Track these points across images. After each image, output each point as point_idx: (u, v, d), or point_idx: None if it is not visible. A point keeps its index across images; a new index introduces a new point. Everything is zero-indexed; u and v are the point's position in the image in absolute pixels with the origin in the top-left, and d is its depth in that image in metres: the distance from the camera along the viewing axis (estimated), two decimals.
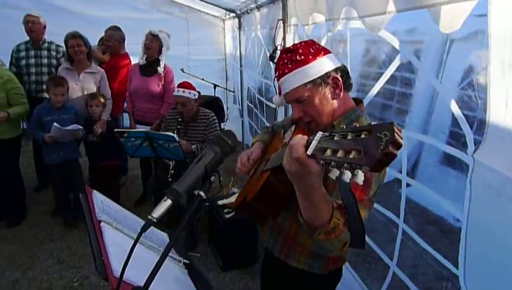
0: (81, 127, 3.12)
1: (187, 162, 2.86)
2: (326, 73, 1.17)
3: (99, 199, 1.42)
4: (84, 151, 3.57)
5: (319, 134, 0.78)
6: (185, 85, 3.11)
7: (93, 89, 3.42)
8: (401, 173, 2.00)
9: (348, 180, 0.64)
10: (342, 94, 1.21)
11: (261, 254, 1.80)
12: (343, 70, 1.21)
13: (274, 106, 3.67)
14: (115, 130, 2.88)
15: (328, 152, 0.69)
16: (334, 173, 0.67)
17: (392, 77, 4.58)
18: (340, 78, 1.19)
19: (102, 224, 1.21)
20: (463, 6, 1.29)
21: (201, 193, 0.90)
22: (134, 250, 1.27)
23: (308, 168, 0.81)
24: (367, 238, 2.34)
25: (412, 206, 3.68)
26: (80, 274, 2.84)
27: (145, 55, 3.53)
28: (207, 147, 0.96)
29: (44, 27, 3.73)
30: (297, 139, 0.83)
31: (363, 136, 0.63)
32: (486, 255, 1.33)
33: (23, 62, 3.70)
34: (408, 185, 1.96)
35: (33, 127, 3.17)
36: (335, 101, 1.21)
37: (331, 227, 0.98)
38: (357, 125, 0.66)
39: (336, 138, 0.70)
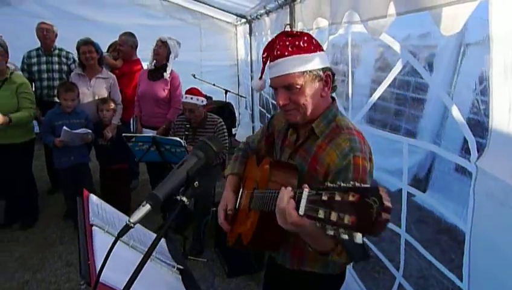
0: (90, 131, 3.18)
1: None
2: (323, 68, 1.18)
3: (95, 202, 1.43)
4: (95, 155, 3.64)
5: (306, 192, 0.82)
6: (193, 92, 3.13)
7: (104, 94, 3.48)
8: (409, 182, 1.93)
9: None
10: (327, 94, 1.22)
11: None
12: (331, 71, 1.22)
13: None
14: (123, 134, 2.92)
15: (321, 213, 0.73)
16: (331, 231, 0.70)
17: (405, 82, 4.49)
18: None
19: (93, 228, 1.21)
20: (464, 8, 1.24)
21: (184, 199, 0.89)
22: (127, 256, 1.27)
23: (302, 226, 0.87)
24: (374, 248, 2.28)
25: (424, 215, 3.60)
26: None
27: (154, 61, 3.58)
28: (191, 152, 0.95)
29: (56, 35, 3.86)
30: (285, 200, 0.88)
31: (351, 198, 0.67)
32: (490, 267, 1.27)
33: (35, 68, 3.82)
34: (412, 194, 1.89)
35: (44, 131, 3.25)
36: (321, 99, 1.21)
37: (340, 249, 1.05)
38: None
39: (323, 197, 0.74)
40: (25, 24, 5.17)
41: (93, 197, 1.45)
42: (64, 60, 3.85)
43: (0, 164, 3.26)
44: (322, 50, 1.21)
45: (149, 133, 3.43)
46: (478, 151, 1.31)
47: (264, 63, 1.26)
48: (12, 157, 3.21)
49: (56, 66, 3.83)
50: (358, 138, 1.16)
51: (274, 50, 1.19)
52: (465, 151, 1.37)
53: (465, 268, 1.37)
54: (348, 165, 1.10)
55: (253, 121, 5.90)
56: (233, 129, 5.69)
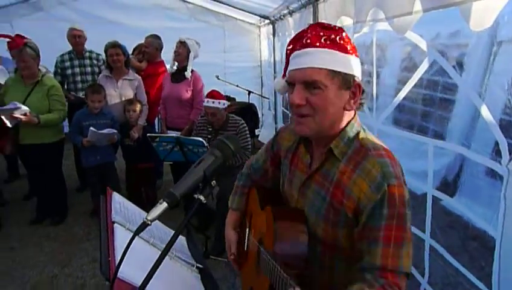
0: (115, 131, 3.27)
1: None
2: (354, 75, 0.98)
3: (117, 200, 1.46)
4: (121, 154, 3.74)
5: None
6: (214, 95, 3.14)
7: (131, 95, 3.57)
8: (437, 186, 1.86)
9: None
10: (352, 108, 1.02)
11: None
12: (361, 84, 1.02)
13: None
14: (148, 134, 2.98)
15: None
16: None
17: (433, 82, 4.33)
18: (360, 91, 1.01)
19: (115, 225, 1.24)
20: (495, 2, 1.18)
21: (201, 197, 0.89)
22: (147, 253, 1.29)
23: None
24: None
25: (453, 220, 3.46)
26: None
27: (176, 62, 3.63)
28: (208, 151, 0.95)
29: (86, 39, 4.02)
30: None
31: None
32: None
33: (69, 71, 3.99)
34: (439, 199, 1.82)
35: (72, 131, 3.37)
36: (343, 112, 1.01)
37: None
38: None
39: None
40: (56, 28, 5.40)
41: (115, 195, 1.48)
42: (95, 62, 4.01)
43: (32, 163, 3.42)
44: (358, 56, 1.02)
45: (173, 134, 3.48)
46: (510, 154, 1.24)
47: (288, 56, 1.05)
48: (44, 157, 3.35)
49: (88, 69, 4.00)
50: (388, 159, 0.97)
51: (303, 39, 0.99)
52: (496, 153, 1.30)
53: (495, 276, 1.30)
54: (383, 198, 0.92)
55: (276, 122, 5.89)
56: (256, 130, 5.70)
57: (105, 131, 3.21)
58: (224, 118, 3.20)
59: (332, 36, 0.97)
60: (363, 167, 0.97)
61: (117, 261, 1.06)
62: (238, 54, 6.36)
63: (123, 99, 3.54)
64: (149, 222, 0.81)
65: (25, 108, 3.06)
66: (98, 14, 5.59)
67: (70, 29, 3.93)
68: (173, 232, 0.83)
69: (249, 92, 5.18)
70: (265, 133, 5.95)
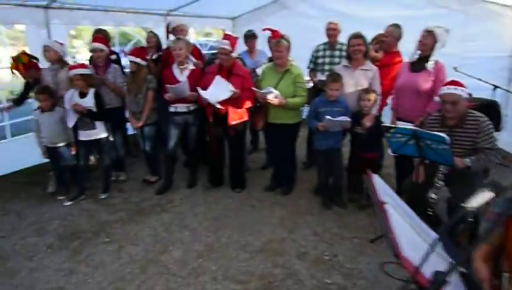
0: (349, 119, 3.43)
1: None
2: None
3: (378, 182, 1.53)
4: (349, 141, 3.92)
5: None
6: (454, 82, 2.84)
7: (365, 85, 3.65)
8: None
9: None
10: None
11: None
12: None
13: None
14: (382, 124, 2.98)
15: None
16: None
17: None
18: None
19: (387, 206, 1.30)
20: None
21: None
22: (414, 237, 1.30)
23: None
24: None
25: None
26: (330, 251, 3.16)
27: (419, 52, 3.44)
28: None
29: (339, 32, 4.35)
30: None
31: None
32: None
33: (320, 60, 4.47)
34: None
35: (310, 116, 3.74)
36: None
37: None
38: None
39: None
40: (297, 23, 6.10)
41: (376, 178, 1.56)
42: (344, 53, 4.28)
43: (273, 139, 4.03)
44: None
45: (409, 126, 3.36)
46: None
47: None
48: (284, 135, 3.90)
49: (337, 60, 4.34)
50: None
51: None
52: None
53: None
54: None
55: None
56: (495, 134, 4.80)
57: (339, 118, 3.41)
58: (463, 112, 2.84)
59: None
60: None
61: (399, 240, 1.12)
62: (481, 43, 5.46)
63: (358, 88, 3.66)
64: (473, 209, 0.79)
65: (276, 92, 3.61)
66: (334, 8, 5.93)
67: (328, 23, 4.35)
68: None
69: (495, 87, 4.39)
70: (507, 139, 4.94)
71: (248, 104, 3.83)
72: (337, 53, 4.39)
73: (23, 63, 3.94)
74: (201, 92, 3.69)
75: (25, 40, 5.01)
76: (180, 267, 2.95)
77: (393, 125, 3.06)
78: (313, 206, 3.91)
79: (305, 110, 4.04)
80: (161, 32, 5.02)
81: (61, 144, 3.92)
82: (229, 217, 3.71)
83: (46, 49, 3.95)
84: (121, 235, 3.40)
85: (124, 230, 3.49)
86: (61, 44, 4.12)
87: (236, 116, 3.86)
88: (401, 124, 3.48)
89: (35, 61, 4.03)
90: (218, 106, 3.69)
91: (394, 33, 3.93)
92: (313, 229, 3.49)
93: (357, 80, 3.68)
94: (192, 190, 4.32)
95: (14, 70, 3.98)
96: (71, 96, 3.76)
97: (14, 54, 3.97)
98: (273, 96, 3.60)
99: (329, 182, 3.88)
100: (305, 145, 4.87)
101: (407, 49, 3.95)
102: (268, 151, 4.64)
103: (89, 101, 3.74)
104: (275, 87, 3.67)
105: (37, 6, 4.39)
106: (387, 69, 3.89)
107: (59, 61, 4.04)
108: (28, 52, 4.07)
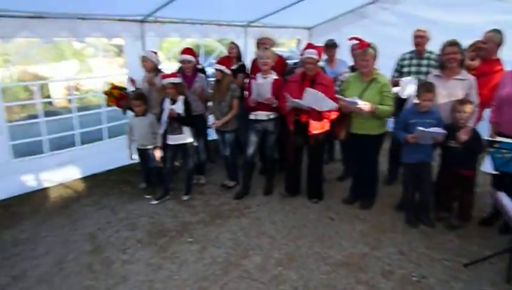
0: (443, 131, 3.19)
1: None
2: None
3: (508, 201, 1.38)
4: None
5: None
6: None
7: (460, 95, 3.37)
8: None
9: None
10: None
11: None
12: None
13: None
14: (486, 138, 2.72)
15: None
16: None
17: None
18: None
19: None
20: None
21: None
22: None
23: None
24: None
25: None
26: (419, 272, 2.95)
27: None
28: None
29: (428, 39, 4.11)
30: None
31: None
32: None
33: (406, 69, 4.24)
34: None
35: (398, 128, 3.56)
36: None
37: None
38: None
39: None
40: (376, 32, 5.86)
41: (503, 195, 1.41)
42: (432, 62, 4.06)
43: (355, 150, 3.89)
44: None
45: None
46: None
47: None
48: (366, 146, 3.75)
49: (424, 69, 4.10)
50: None
51: None
52: None
53: None
54: None
55: None
56: None
57: (432, 129, 3.19)
58: None
59: None
60: None
61: None
62: None
63: (452, 99, 3.40)
64: None
65: (361, 102, 3.49)
66: (419, 15, 5.59)
67: (415, 30, 4.13)
68: None
69: None
70: None
71: (333, 114, 3.74)
72: (424, 62, 4.15)
73: (115, 97, 4.40)
74: (296, 100, 3.67)
75: (116, 51, 5.49)
76: (260, 273, 2.96)
77: (498, 139, 2.77)
78: (397, 223, 3.69)
79: (390, 122, 3.86)
80: (241, 43, 5.19)
81: (149, 147, 4.22)
82: (308, 228, 3.66)
83: (144, 59, 4.32)
84: (203, 237, 3.52)
85: (206, 231, 3.62)
86: (155, 53, 4.47)
87: (318, 126, 3.81)
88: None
89: (125, 93, 4.43)
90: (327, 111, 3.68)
91: (494, 39, 3.59)
92: (398, 247, 3.29)
93: (451, 91, 3.41)
94: (269, 197, 4.35)
95: (110, 103, 4.51)
96: (166, 104, 4.04)
97: (106, 68, 4.41)
98: (362, 104, 3.49)
99: (416, 198, 3.64)
100: (386, 158, 4.64)
101: (509, 57, 3.61)
102: (346, 162, 4.51)
103: (178, 107, 3.98)
104: (360, 97, 3.57)
105: (134, 21, 4.81)
106: (485, 78, 3.56)
107: (154, 69, 4.38)
108: (123, 63, 4.48)
